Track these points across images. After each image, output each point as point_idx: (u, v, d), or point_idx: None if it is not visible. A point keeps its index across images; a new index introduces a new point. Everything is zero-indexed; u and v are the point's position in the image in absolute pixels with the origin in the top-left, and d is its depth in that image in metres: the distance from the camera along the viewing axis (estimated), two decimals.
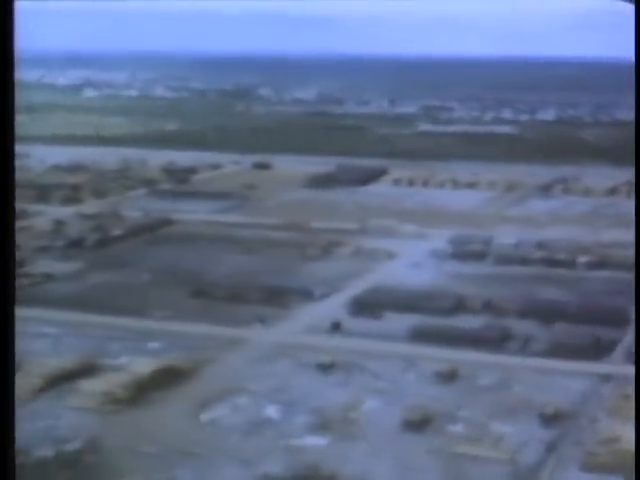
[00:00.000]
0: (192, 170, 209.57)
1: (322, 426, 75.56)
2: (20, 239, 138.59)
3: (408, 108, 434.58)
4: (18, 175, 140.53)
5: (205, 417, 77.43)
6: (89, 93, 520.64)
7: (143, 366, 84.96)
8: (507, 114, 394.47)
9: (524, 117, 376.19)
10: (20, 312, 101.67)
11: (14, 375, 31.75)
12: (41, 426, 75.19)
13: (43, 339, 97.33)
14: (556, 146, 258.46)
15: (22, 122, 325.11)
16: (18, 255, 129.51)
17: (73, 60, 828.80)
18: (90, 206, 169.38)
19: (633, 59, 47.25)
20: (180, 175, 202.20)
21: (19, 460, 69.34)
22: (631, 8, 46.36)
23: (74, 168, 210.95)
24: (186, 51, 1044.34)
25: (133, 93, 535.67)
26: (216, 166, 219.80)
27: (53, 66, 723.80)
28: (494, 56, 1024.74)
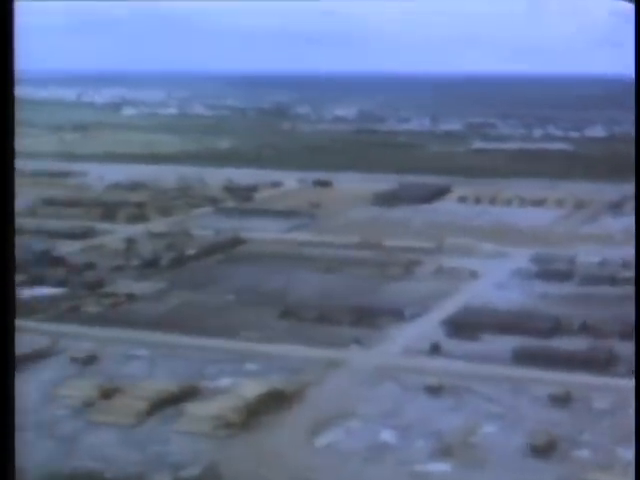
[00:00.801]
0: (253, 188, 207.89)
1: (443, 451, 73.05)
2: (94, 258, 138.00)
3: (453, 125, 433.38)
4: (80, 194, 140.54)
5: (320, 442, 75.05)
6: (128, 111, 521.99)
7: (249, 389, 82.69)
8: (555, 131, 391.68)
9: (574, 134, 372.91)
10: (109, 333, 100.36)
11: (14, 380, 31.90)
12: (152, 451, 73.12)
13: (137, 361, 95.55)
14: (615, 163, 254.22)
15: (73, 140, 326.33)
16: (94, 275, 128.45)
17: (105, 79, 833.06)
18: (158, 224, 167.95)
19: (634, 60, 45.80)
20: (242, 193, 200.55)
21: None
22: (631, 8, 45.04)
23: (134, 186, 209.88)
24: (216, 70, 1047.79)
25: (172, 111, 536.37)
26: (276, 184, 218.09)
27: (87, 85, 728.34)
28: (523, 73, 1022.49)
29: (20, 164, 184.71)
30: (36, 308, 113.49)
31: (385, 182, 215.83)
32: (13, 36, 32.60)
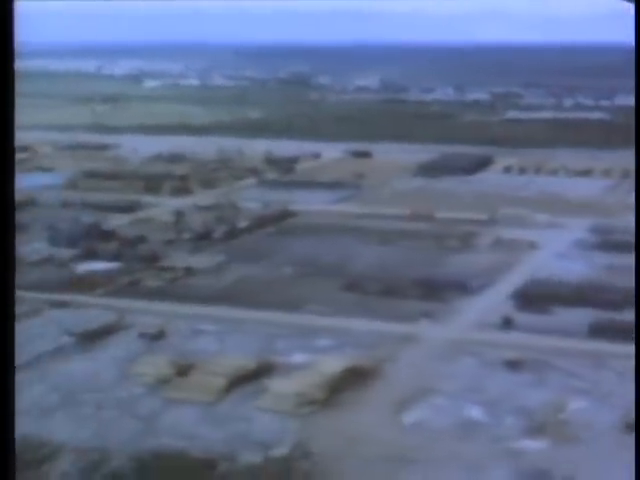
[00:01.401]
0: (294, 159, 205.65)
1: (536, 429, 71.33)
2: (144, 231, 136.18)
3: (478, 95, 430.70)
4: (118, 166, 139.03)
5: (408, 419, 73.38)
6: (150, 83, 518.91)
7: (328, 365, 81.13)
8: (584, 100, 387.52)
9: (605, 103, 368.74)
10: (172, 308, 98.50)
11: (14, 371, 31.61)
12: (236, 429, 71.55)
13: (205, 336, 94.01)
14: None
15: (104, 112, 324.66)
16: (147, 248, 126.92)
17: (118, 51, 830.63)
18: (203, 197, 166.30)
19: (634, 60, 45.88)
20: (283, 164, 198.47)
21: (224, 467, 66.17)
22: (631, 8, 44.86)
23: (173, 158, 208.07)
24: (227, 42, 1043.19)
25: (193, 82, 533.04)
26: (315, 155, 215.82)
27: (101, 56, 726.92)
28: (541, 42, 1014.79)
29: (54, 136, 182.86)
30: (93, 282, 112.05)
31: (424, 152, 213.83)
32: (13, 16, 32.00)
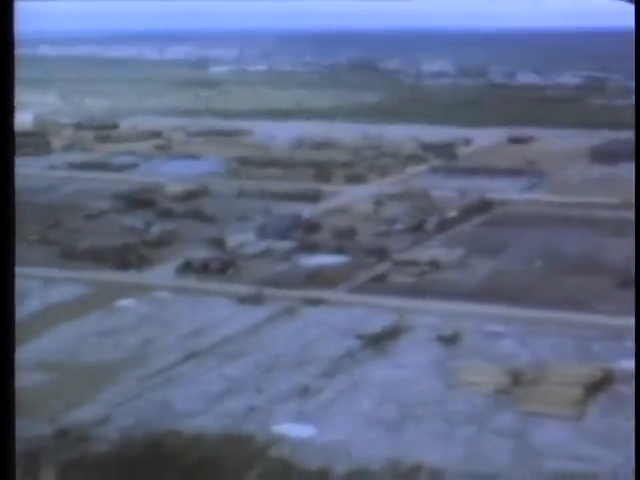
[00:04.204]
0: (449, 145, 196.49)
1: None
2: (347, 222, 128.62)
3: (569, 79, 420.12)
4: (264, 153, 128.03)
5: None
6: (215, 69, 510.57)
7: None
8: None
9: None
10: (439, 306, 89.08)
11: (14, 371, 29.17)
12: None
13: (503, 339, 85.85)
14: None
15: (209, 98, 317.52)
16: (366, 240, 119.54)
17: (160, 38, 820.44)
18: (383, 185, 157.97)
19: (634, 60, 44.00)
20: (442, 151, 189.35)
21: None
22: (631, 8, 38.90)
23: (318, 144, 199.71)
24: (267, 29, 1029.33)
25: (261, 68, 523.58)
26: (467, 141, 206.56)
27: (143, 44, 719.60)
28: (573, 27, 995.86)
29: (175, 122, 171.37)
30: (332, 278, 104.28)
31: (580, 137, 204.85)
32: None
